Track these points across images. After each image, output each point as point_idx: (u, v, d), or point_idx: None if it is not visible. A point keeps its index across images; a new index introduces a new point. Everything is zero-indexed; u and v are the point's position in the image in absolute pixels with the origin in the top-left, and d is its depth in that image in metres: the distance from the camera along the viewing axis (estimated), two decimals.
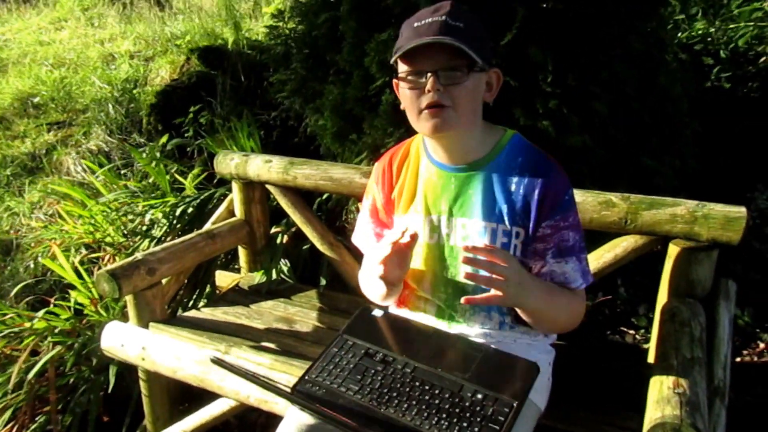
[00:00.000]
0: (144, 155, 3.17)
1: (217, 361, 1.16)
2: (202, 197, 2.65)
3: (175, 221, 2.59)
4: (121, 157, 3.56)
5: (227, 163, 2.20)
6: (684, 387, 1.15)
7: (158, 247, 1.99)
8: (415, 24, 1.13)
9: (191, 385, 1.78)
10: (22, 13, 6.67)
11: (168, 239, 2.52)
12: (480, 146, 1.24)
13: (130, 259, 1.86)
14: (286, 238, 2.39)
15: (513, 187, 1.21)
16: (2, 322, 2.30)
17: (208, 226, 2.25)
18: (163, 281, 1.99)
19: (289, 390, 1.17)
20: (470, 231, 1.24)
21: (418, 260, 1.30)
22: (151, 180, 3.10)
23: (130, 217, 2.81)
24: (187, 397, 2.06)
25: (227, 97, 3.52)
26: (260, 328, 1.92)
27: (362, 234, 1.44)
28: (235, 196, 2.26)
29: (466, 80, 1.12)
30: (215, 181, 2.83)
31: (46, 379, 2.12)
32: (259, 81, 3.52)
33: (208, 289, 2.38)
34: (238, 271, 2.40)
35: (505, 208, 1.21)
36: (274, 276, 2.22)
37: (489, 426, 1.04)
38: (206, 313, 2.03)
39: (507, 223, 1.21)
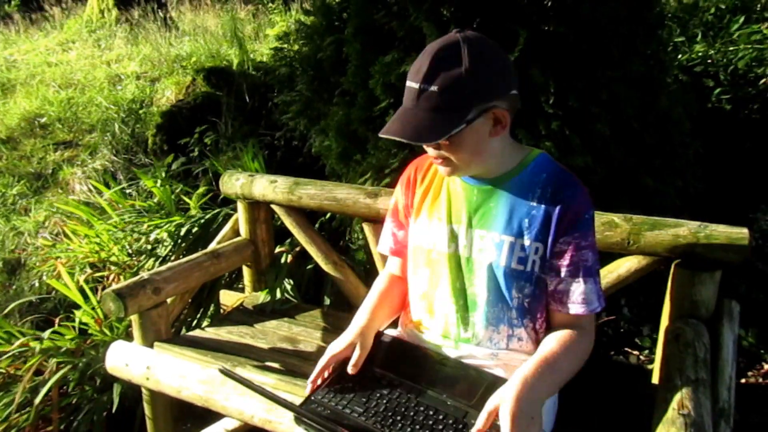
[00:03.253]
0: (149, 175, 3.20)
1: (225, 372, 1.16)
2: (206, 217, 2.66)
3: (180, 241, 2.60)
4: (126, 176, 3.59)
5: (233, 183, 2.22)
6: (689, 408, 1.15)
7: (163, 267, 2.00)
8: (407, 84, 1.13)
9: (194, 405, 1.77)
10: (30, 34, 6.77)
11: (173, 258, 2.53)
12: (503, 164, 1.25)
13: (135, 278, 1.87)
14: (290, 257, 2.41)
15: (534, 202, 1.22)
16: (7, 342, 2.30)
17: (213, 245, 2.26)
18: (168, 300, 1.99)
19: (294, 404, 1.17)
20: (487, 243, 1.25)
21: (435, 268, 1.31)
22: (156, 200, 3.13)
23: (135, 236, 2.83)
24: (189, 417, 2.06)
25: (232, 118, 3.56)
26: (264, 347, 1.92)
27: (383, 236, 1.49)
28: (240, 215, 2.27)
29: (458, 138, 1.12)
30: (219, 200, 2.85)
31: (49, 399, 2.11)
32: (263, 102, 3.56)
33: (212, 309, 2.38)
34: (243, 290, 2.40)
35: (525, 223, 1.22)
36: (278, 295, 2.23)
37: None
38: (210, 332, 2.03)
39: (526, 237, 1.22)
